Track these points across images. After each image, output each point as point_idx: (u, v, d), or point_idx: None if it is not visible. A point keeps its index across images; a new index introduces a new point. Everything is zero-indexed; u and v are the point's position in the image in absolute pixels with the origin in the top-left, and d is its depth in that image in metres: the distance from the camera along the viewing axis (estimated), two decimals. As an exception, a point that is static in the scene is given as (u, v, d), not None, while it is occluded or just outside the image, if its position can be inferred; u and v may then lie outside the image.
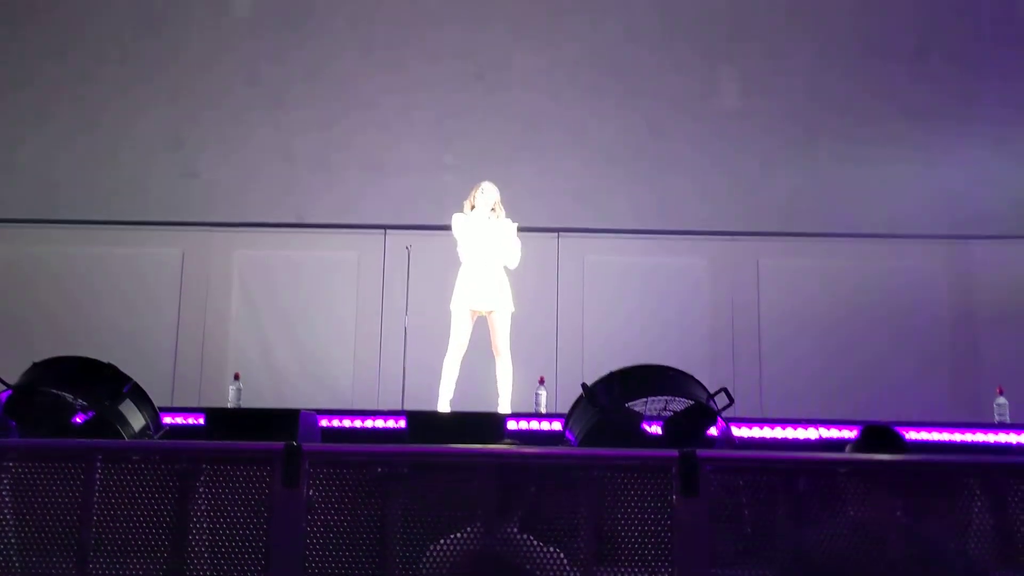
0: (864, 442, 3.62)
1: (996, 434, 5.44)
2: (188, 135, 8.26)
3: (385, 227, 8.07)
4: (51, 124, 8.24)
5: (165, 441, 3.94)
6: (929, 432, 5.30)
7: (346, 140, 8.23)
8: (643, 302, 7.93)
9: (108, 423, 3.93)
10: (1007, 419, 5.92)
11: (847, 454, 3.49)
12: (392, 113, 8.24)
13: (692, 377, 4.19)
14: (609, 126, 8.18)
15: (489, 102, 8.23)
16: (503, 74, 8.27)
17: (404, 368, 7.04)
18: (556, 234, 8.06)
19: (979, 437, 5.40)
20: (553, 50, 8.23)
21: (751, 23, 8.24)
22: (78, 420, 4.05)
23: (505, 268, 6.21)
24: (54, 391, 4.08)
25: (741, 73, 8.26)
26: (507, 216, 6.28)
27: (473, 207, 6.19)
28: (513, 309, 6.18)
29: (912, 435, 5.15)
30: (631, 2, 8.30)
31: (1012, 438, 5.38)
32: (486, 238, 6.15)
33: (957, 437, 5.35)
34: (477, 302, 6.11)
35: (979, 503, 2.88)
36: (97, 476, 2.75)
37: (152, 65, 8.25)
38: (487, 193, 6.18)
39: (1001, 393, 6.07)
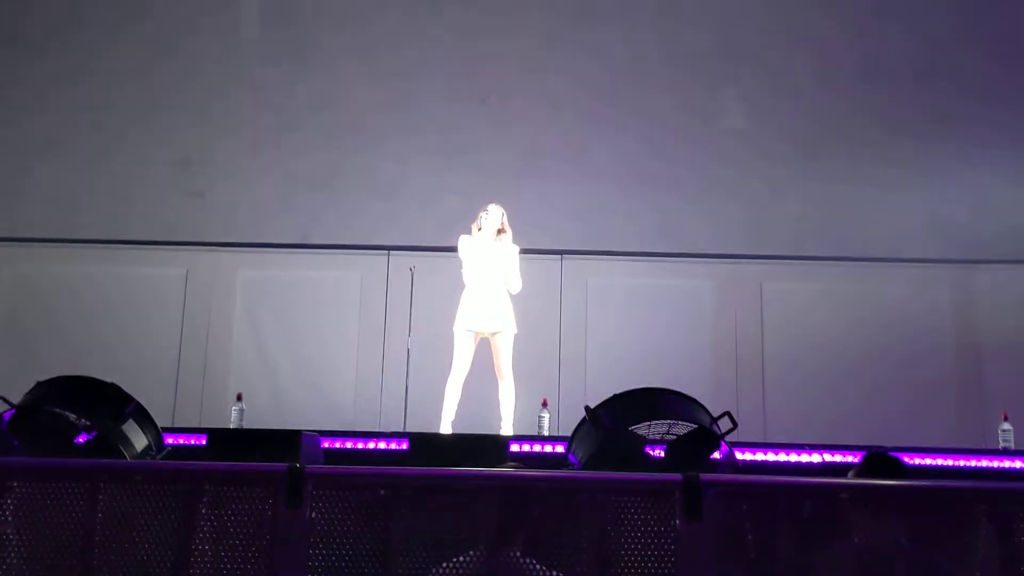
0: (866, 468, 3.62)
1: (1001, 460, 5.41)
2: (193, 155, 8.31)
3: (389, 248, 8.09)
4: (59, 145, 8.30)
5: (168, 462, 3.92)
6: (934, 458, 5.28)
7: (350, 162, 8.27)
8: (646, 325, 7.93)
9: (111, 443, 3.92)
10: (1012, 445, 5.89)
11: (850, 479, 3.48)
12: (396, 135, 8.27)
13: (695, 401, 4.18)
14: (612, 149, 8.21)
15: (493, 125, 8.27)
16: (507, 97, 8.32)
17: (407, 389, 7.03)
18: (559, 256, 8.08)
19: (984, 463, 5.37)
20: (556, 74, 8.28)
21: (753, 47, 8.29)
22: (80, 440, 4.04)
23: (512, 292, 6.22)
24: (57, 410, 4.08)
25: (744, 96, 8.30)
26: (513, 239, 6.30)
27: (480, 229, 6.22)
28: (516, 331, 6.19)
29: (916, 461, 5.13)
30: (634, 27, 8.35)
31: (1017, 464, 5.35)
32: (491, 260, 6.16)
33: (962, 463, 5.33)
34: (480, 324, 6.11)
35: (984, 529, 2.87)
36: (100, 496, 2.75)
37: (160, 88, 8.32)
38: (492, 215, 6.21)
39: (1006, 419, 6.06)
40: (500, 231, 6.22)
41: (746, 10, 8.35)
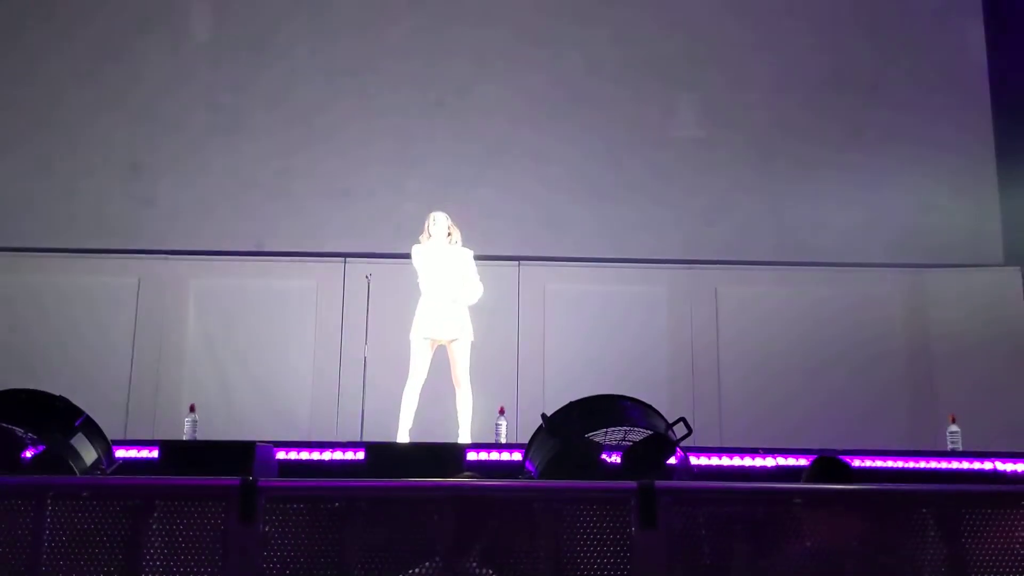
0: (815, 472, 3.68)
1: (949, 461, 5.52)
2: (145, 161, 8.19)
3: (345, 255, 8.03)
4: (3, 152, 8.14)
5: (118, 477, 3.86)
6: (884, 460, 5.37)
7: (306, 167, 8.21)
8: (603, 331, 7.95)
9: (59, 457, 3.85)
10: (959, 446, 6.01)
11: (802, 484, 3.53)
12: (352, 140, 8.23)
13: (651, 407, 4.22)
14: (569, 154, 8.25)
15: (450, 130, 8.27)
16: (464, 102, 8.31)
17: (363, 398, 6.98)
18: (516, 262, 8.08)
19: (932, 465, 5.47)
20: (514, 79, 8.30)
21: (710, 54, 8.38)
22: (27, 455, 3.97)
23: (473, 300, 6.22)
24: (3, 425, 3.99)
25: (700, 102, 8.38)
26: (464, 245, 6.30)
27: (429, 236, 6.23)
28: (472, 338, 6.19)
29: (868, 463, 5.21)
30: (592, 32, 8.40)
31: (964, 465, 5.47)
32: (445, 267, 6.17)
33: (911, 465, 5.42)
34: (436, 332, 6.11)
35: (932, 531, 2.93)
36: (48, 513, 2.70)
37: (109, 91, 8.19)
38: (439, 222, 6.23)
39: (953, 421, 6.17)
40: (449, 235, 6.24)
41: (702, 19, 8.44)
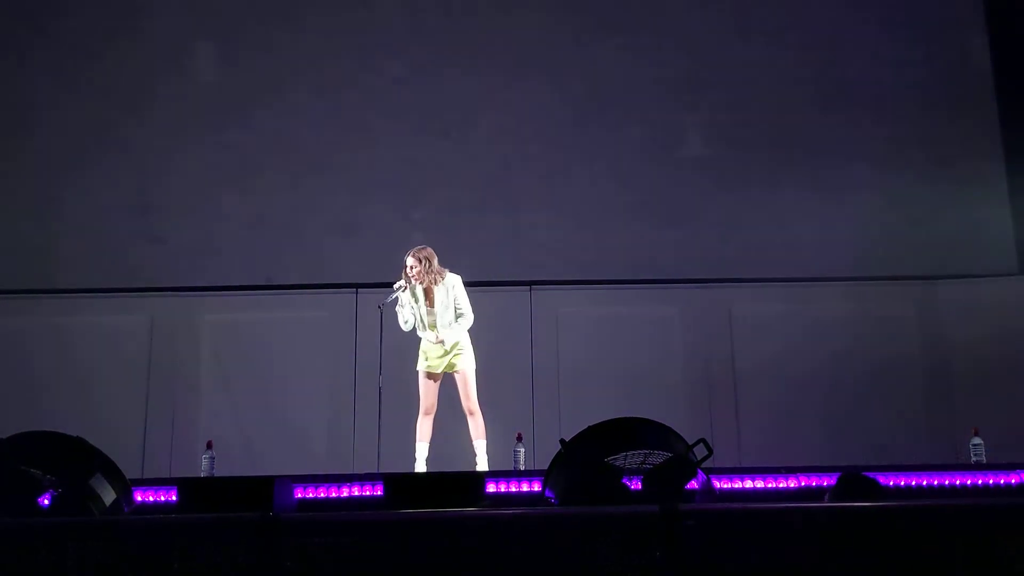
0: (841, 490, 3.63)
1: (974, 477, 5.45)
2: (154, 200, 8.24)
3: (356, 286, 8.04)
4: (14, 193, 8.21)
5: (137, 517, 3.84)
6: (908, 477, 5.30)
7: (314, 201, 8.24)
8: (618, 353, 7.93)
9: (78, 499, 3.84)
10: (983, 459, 5.94)
11: (826, 503, 3.49)
12: (360, 173, 8.28)
13: (670, 429, 4.18)
14: (577, 178, 8.26)
15: (456, 159, 8.29)
16: (468, 131, 8.35)
17: (379, 428, 6.96)
18: (528, 288, 8.08)
19: (959, 481, 5.40)
20: (518, 106, 8.33)
21: (714, 73, 8.40)
22: (47, 498, 3.96)
23: (465, 327, 6.18)
24: (21, 468, 3.99)
25: (706, 122, 8.40)
26: (453, 271, 6.25)
27: (407, 283, 6.14)
28: (475, 365, 6.16)
29: (891, 481, 5.15)
30: (595, 56, 8.44)
31: (991, 479, 5.40)
32: (429, 307, 6.13)
33: (936, 481, 5.35)
34: (436, 364, 6.12)
35: (962, 546, 2.89)
36: (69, 556, 2.69)
37: (119, 133, 8.27)
38: (410, 266, 6.15)
39: (976, 434, 6.10)
40: (428, 272, 6.14)
41: (704, 38, 8.47)
